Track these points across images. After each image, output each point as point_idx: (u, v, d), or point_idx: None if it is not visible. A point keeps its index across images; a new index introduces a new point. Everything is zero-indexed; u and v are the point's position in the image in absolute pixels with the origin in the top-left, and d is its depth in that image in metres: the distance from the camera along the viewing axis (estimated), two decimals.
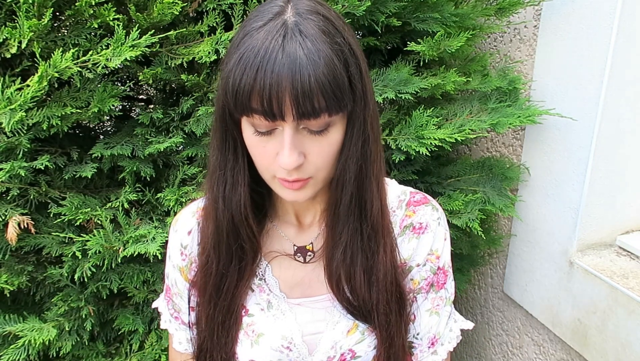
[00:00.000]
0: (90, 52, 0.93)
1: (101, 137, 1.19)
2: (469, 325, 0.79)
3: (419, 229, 0.77)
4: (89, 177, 1.04)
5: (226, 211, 0.69)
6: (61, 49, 0.91)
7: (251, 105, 0.57)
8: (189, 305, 0.80)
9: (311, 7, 0.60)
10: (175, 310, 0.82)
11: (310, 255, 0.78)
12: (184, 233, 0.79)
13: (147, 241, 1.05)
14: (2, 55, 0.94)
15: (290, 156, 0.59)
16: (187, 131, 1.11)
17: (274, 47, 0.56)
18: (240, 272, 0.74)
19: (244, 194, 0.68)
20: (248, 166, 0.68)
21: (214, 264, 0.73)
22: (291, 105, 0.56)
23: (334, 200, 0.70)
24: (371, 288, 0.73)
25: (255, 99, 0.57)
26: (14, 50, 0.91)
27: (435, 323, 0.77)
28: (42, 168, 0.99)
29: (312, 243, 0.78)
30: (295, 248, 0.78)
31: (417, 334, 0.77)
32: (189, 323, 0.81)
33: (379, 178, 0.71)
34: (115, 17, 0.93)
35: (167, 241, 0.92)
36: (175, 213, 1.09)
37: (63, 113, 0.96)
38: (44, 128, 0.96)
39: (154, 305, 0.88)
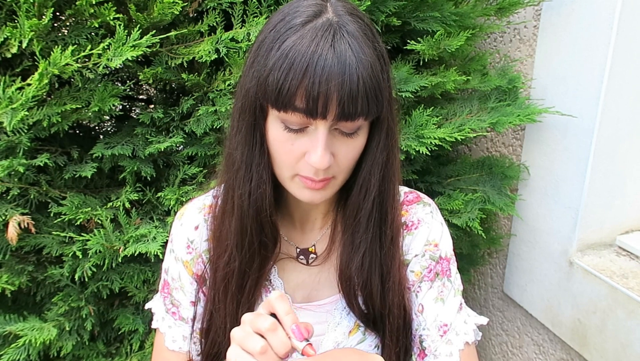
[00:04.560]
0: (89, 48, 0.93)
1: (101, 137, 1.19)
2: (483, 320, 0.78)
3: (412, 226, 0.77)
4: (89, 177, 1.04)
5: (251, 209, 0.68)
6: (60, 47, 0.91)
7: (294, 102, 0.57)
8: (195, 299, 0.79)
9: (348, 8, 0.61)
10: (174, 304, 0.81)
11: (312, 257, 0.78)
12: (190, 228, 0.78)
13: (147, 240, 1.05)
14: (3, 55, 0.94)
15: (323, 156, 0.59)
16: (187, 131, 1.11)
17: (323, 45, 0.56)
18: (262, 269, 0.74)
19: (269, 191, 0.67)
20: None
21: (237, 262, 0.71)
22: (337, 105, 0.56)
23: (355, 205, 0.69)
24: (385, 296, 0.73)
25: (300, 97, 0.56)
26: (14, 50, 0.91)
27: (440, 309, 0.75)
28: (43, 168, 0.99)
29: (314, 245, 0.79)
30: (298, 250, 0.78)
31: (426, 325, 0.76)
32: (193, 317, 0.80)
33: (396, 185, 0.72)
34: (116, 16, 0.93)
35: (167, 241, 0.92)
36: (175, 213, 1.09)
37: (63, 110, 0.96)
38: (45, 126, 0.96)
39: (147, 306, 0.86)
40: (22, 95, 0.88)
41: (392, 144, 0.67)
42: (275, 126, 0.62)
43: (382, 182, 0.68)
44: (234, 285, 0.73)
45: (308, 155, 0.61)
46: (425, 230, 0.77)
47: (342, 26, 0.58)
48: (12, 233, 0.99)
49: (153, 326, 0.83)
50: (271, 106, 0.60)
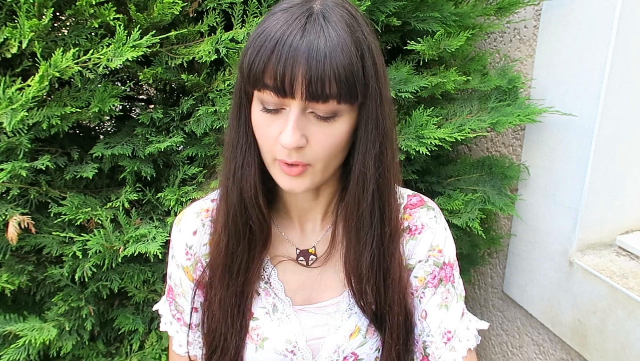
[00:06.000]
0: (91, 52, 0.93)
1: (101, 137, 1.19)
2: (484, 324, 0.78)
3: (416, 230, 0.77)
4: (90, 177, 1.04)
5: (235, 190, 0.69)
6: (62, 49, 0.91)
7: (264, 79, 0.59)
8: (192, 305, 0.80)
9: (339, 2, 0.62)
10: (178, 310, 0.82)
11: (312, 258, 0.78)
12: (188, 233, 0.78)
13: (147, 240, 1.05)
14: (3, 56, 0.94)
15: (292, 134, 0.60)
16: (187, 131, 1.11)
17: (295, 25, 0.57)
18: (251, 253, 0.74)
19: (254, 174, 0.68)
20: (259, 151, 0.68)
21: (224, 243, 0.72)
22: (302, 83, 0.57)
23: (355, 200, 0.69)
24: (387, 293, 0.73)
25: (269, 74, 0.58)
26: (14, 50, 0.91)
27: (445, 315, 0.75)
28: (43, 168, 0.99)
29: (314, 246, 0.78)
30: (298, 251, 0.78)
31: (430, 331, 0.76)
32: (189, 324, 0.81)
33: (394, 181, 0.72)
34: (116, 17, 0.93)
35: (167, 241, 0.92)
36: (175, 213, 1.09)
37: (63, 113, 0.96)
38: (44, 128, 0.96)
39: (155, 307, 0.88)
40: (22, 96, 0.88)
41: (385, 137, 0.66)
42: (256, 108, 0.64)
43: (379, 176, 0.68)
44: (222, 265, 0.74)
45: (280, 135, 0.61)
46: (429, 235, 0.77)
47: (321, 12, 0.59)
48: (12, 232, 0.99)
49: (161, 329, 0.85)
50: (246, 84, 0.62)
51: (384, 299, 0.73)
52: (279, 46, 0.57)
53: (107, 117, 1.17)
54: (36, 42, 0.90)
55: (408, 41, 1.15)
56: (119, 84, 1.13)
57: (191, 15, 1.06)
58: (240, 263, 0.73)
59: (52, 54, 0.89)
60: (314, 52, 0.56)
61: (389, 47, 1.31)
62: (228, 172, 0.70)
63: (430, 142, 1.15)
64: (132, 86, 1.19)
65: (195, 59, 1.03)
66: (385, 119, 0.66)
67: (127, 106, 1.29)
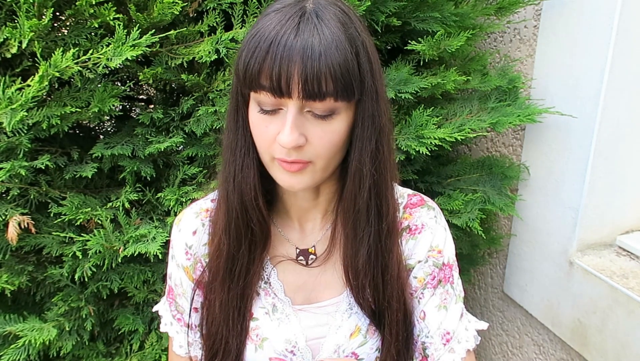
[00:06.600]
0: (90, 52, 0.93)
1: (101, 137, 1.19)
2: (483, 325, 0.78)
3: (416, 230, 0.77)
4: (89, 177, 1.04)
5: (236, 193, 0.69)
6: (62, 48, 0.91)
7: (260, 80, 0.59)
8: (191, 305, 0.80)
9: (331, 0, 0.62)
10: (179, 310, 0.82)
11: (312, 258, 0.78)
12: (188, 233, 0.78)
13: (147, 240, 1.05)
14: (3, 55, 0.94)
15: (290, 134, 0.59)
16: (187, 131, 1.11)
17: (289, 25, 0.57)
18: (251, 255, 0.74)
19: (253, 176, 0.68)
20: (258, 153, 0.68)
21: (225, 246, 0.72)
22: (299, 83, 0.57)
23: (352, 195, 0.69)
24: (386, 287, 0.73)
25: (264, 74, 0.58)
26: (14, 50, 0.91)
27: (444, 317, 0.76)
28: (43, 168, 0.99)
29: (314, 246, 0.78)
30: (298, 250, 0.78)
31: (429, 332, 0.76)
32: (189, 324, 0.81)
33: (392, 179, 0.72)
34: (116, 16, 0.93)
35: (167, 241, 0.92)
36: (175, 213, 1.09)
37: (63, 113, 0.96)
38: (44, 128, 0.96)
39: (154, 308, 0.88)
40: (22, 95, 0.88)
41: (381, 133, 0.66)
42: (253, 109, 0.64)
43: (375, 172, 0.67)
44: (223, 269, 0.73)
45: (278, 135, 0.61)
46: (428, 235, 0.77)
47: (314, 11, 0.59)
48: (12, 232, 0.99)
49: (162, 330, 0.84)
50: (242, 86, 0.62)
51: (383, 295, 0.73)
52: (274, 46, 0.57)
53: (107, 117, 1.17)
54: (36, 42, 0.90)
55: (408, 41, 1.15)
56: (119, 84, 1.13)
57: (191, 15, 1.06)
58: (241, 265, 0.73)
59: (52, 54, 0.89)
60: (309, 50, 0.56)
61: (389, 47, 1.31)
62: (228, 175, 0.70)
63: (430, 142, 1.15)
64: (132, 86, 1.19)
65: (195, 59, 1.03)
66: (381, 115, 0.66)
67: (127, 106, 1.29)
